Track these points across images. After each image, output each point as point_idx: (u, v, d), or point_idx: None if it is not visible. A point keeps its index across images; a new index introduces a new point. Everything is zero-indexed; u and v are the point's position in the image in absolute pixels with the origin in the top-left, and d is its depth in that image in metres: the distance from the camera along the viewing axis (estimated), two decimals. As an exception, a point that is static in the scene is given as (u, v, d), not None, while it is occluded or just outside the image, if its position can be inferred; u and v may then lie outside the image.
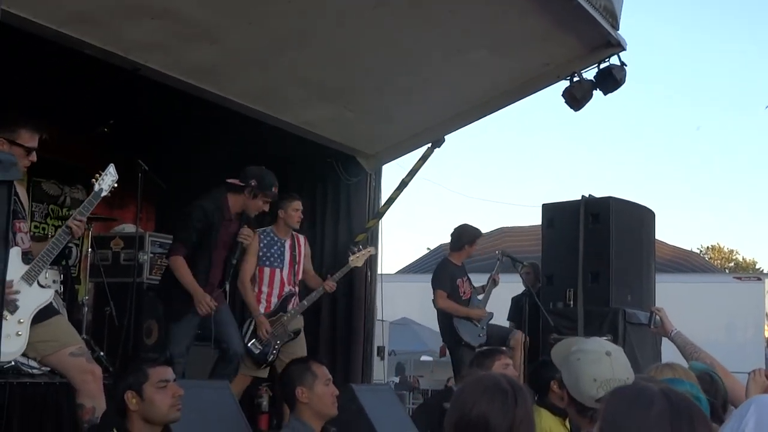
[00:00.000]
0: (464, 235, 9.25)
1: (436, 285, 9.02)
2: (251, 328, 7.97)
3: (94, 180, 5.65)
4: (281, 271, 8.07)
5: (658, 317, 5.30)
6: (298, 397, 4.83)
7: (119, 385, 4.29)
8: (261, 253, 8.03)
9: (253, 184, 7.31)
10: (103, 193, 5.69)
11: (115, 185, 5.79)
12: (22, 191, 5.77)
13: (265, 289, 8.05)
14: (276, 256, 8.09)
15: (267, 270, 8.04)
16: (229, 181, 7.45)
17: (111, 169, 5.75)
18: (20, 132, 5.44)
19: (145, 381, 4.22)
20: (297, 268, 8.20)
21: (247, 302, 7.99)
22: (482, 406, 2.75)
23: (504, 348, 6.97)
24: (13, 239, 5.23)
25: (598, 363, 3.41)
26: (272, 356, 7.93)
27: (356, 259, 8.33)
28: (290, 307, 8.05)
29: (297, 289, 8.19)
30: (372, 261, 10.49)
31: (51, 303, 5.60)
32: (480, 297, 9.17)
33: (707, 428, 2.03)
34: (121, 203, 10.72)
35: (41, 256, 5.38)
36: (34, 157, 5.49)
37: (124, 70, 7.95)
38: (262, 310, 7.94)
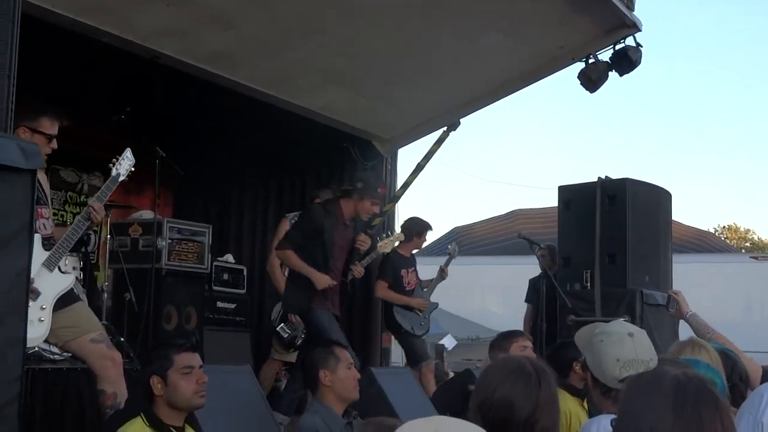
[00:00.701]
0: (413, 228, 9.30)
1: (378, 275, 9.12)
2: (281, 312, 8.05)
3: (111, 165, 5.69)
4: None
5: (675, 300, 5.39)
6: (321, 380, 4.89)
7: (145, 370, 4.32)
8: None
9: (359, 186, 7.41)
10: (121, 178, 5.73)
11: (133, 169, 5.83)
12: (43, 178, 5.81)
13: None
14: None
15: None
16: (337, 195, 7.59)
17: (128, 154, 5.78)
18: (41, 120, 5.48)
19: (170, 366, 4.25)
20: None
21: (275, 284, 8.14)
22: (506, 388, 2.77)
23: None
24: (35, 225, 5.27)
25: (621, 344, 3.44)
26: (300, 340, 8.02)
27: (385, 245, 8.35)
28: None
29: None
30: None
31: (72, 289, 5.65)
32: (425, 289, 9.27)
33: (716, 414, 2.05)
34: (138, 190, 10.76)
35: (62, 242, 5.43)
36: (54, 144, 5.53)
37: (141, 58, 7.99)
38: None
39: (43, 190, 5.68)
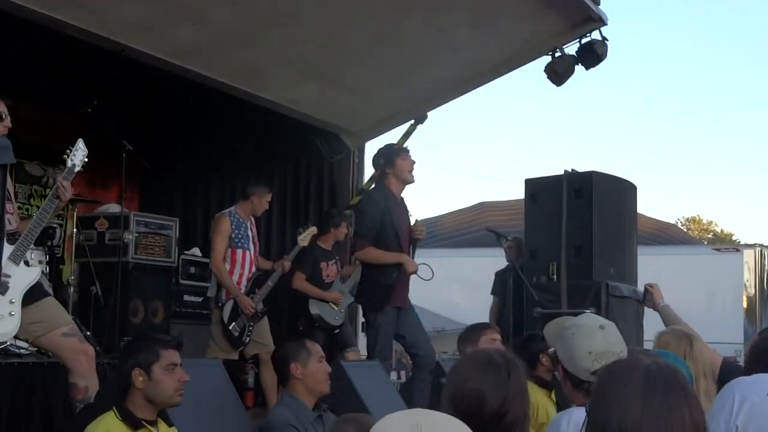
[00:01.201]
0: (330, 220, 9.36)
1: (296, 266, 9.07)
2: (230, 310, 8.04)
3: (65, 156, 5.65)
4: (249, 253, 8.19)
5: (650, 293, 5.57)
6: (292, 373, 4.90)
7: (127, 361, 4.24)
8: (233, 235, 8.14)
9: (382, 162, 7.58)
10: (77, 169, 5.69)
11: (86, 160, 5.78)
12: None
13: (237, 270, 8.15)
14: (244, 237, 8.21)
15: (239, 252, 8.17)
16: (385, 182, 7.65)
17: (80, 144, 5.74)
18: None
19: (155, 361, 4.21)
20: (256, 250, 8.38)
21: (225, 283, 8.09)
22: (476, 380, 2.80)
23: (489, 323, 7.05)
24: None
25: (593, 337, 3.48)
26: (247, 338, 8.04)
27: (303, 239, 8.56)
28: (257, 288, 8.22)
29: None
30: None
31: (40, 284, 5.62)
32: (342, 284, 9.25)
33: (684, 402, 2.08)
34: (105, 183, 10.73)
35: (27, 231, 5.38)
36: (8, 122, 5.46)
37: (108, 52, 7.95)
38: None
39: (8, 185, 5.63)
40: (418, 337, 7.59)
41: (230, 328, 7.99)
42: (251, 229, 8.36)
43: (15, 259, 5.28)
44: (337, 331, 9.08)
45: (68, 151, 5.68)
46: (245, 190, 8.51)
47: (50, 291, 7.26)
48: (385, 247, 7.46)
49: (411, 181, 7.66)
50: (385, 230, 7.43)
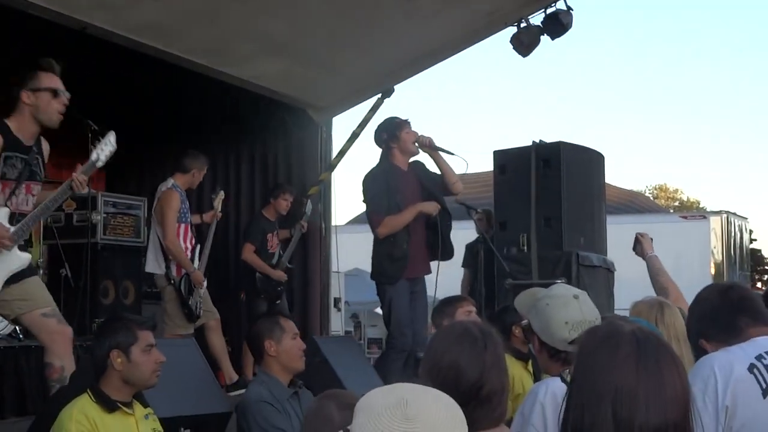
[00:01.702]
0: (273, 192, 9.65)
1: (245, 237, 9.34)
2: (187, 285, 8.02)
3: (92, 147, 5.57)
4: (188, 226, 8.18)
5: (640, 241, 5.68)
6: (266, 350, 4.88)
7: (103, 343, 4.20)
8: (181, 209, 8.14)
9: (385, 137, 7.55)
10: (99, 164, 5.61)
11: (112, 154, 5.71)
12: (46, 148, 5.69)
13: (187, 245, 8.15)
14: (186, 211, 8.24)
15: (183, 226, 8.15)
16: (388, 157, 7.61)
17: (111, 138, 5.65)
18: (37, 75, 5.33)
19: (134, 342, 4.18)
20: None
21: (180, 259, 8.04)
22: (453, 353, 2.80)
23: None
24: (19, 200, 5.19)
25: (567, 306, 3.49)
26: (200, 311, 8.05)
27: (216, 206, 8.71)
28: (198, 261, 8.23)
29: None
30: (326, 213, 10.54)
31: (30, 265, 5.57)
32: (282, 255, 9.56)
33: (674, 368, 2.08)
34: (70, 164, 10.57)
35: (30, 217, 5.33)
36: (64, 98, 5.38)
37: (70, 30, 7.85)
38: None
39: (43, 164, 5.56)
40: (417, 333, 7.48)
41: (189, 303, 7.97)
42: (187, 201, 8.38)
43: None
44: (278, 302, 9.27)
45: (97, 142, 5.60)
46: (183, 162, 8.39)
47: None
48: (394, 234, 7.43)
49: (416, 152, 7.64)
50: (390, 210, 7.40)
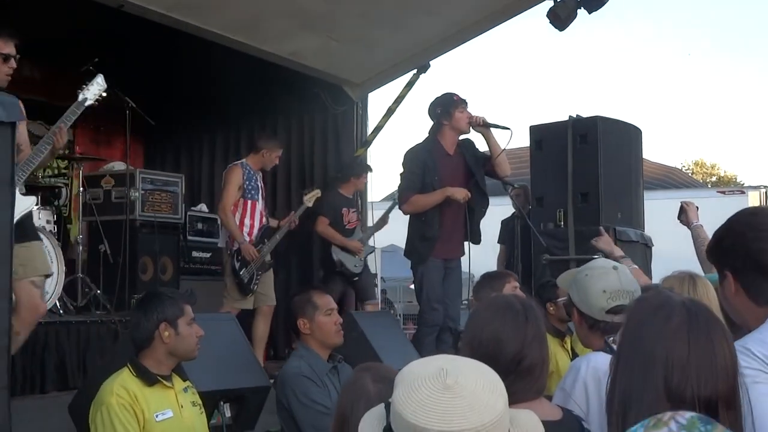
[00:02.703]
0: (351, 169, 9.60)
1: (319, 211, 9.26)
2: (239, 258, 8.11)
3: (79, 90, 5.58)
4: (259, 204, 8.23)
5: (685, 209, 5.64)
6: (300, 328, 4.90)
7: (152, 316, 4.24)
8: (245, 185, 8.23)
9: (439, 111, 7.53)
10: (88, 102, 5.61)
11: (104, 94, 5.70)
12: (23, 128, 5.71)
13: (247, 221, 8.24)
14: (254, 189, 8.27)
15: (249, 203, 8.25)
16: (433, 135, 7.64)
17: (99, 79, 5.64)
18: None
19: (181, 315, 4.24)
20: (265, 202, 8.49)
21: (231, 230, 8.21)
22: (494, 325, 2.81)
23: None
24: None
25: (607, 276, 3.50)
26: (255, 286, 8.10)
27: (308, 200, 8.69)
28: (265, 239, 8.29)
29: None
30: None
31: (33, 224, 5.55)
32: (363, 233, 9.53)
33: (725, 340, 2.08)
34: (109, 141, 10.72)
35: (22, 166, 5.33)
36: (13, 63, 5.42)
37: (107, 8, 7.90)
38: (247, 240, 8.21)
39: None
40: (449, 307, 7.54)
41: (240, 273, 8.06)
42: (261, 182, 8.38)
43: None
44: (356, 278, 9.21)
45: (84, 85, 5.61)
46: (256, 143, 8.51)
47: (44, 237, 7.32)
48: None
49: (467, 132, 7.64)
50: (424, 189, 7.43)
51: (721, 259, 2.73)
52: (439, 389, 1.83)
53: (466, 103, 7.62)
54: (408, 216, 7.63)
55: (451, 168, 7.55)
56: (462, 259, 7.69)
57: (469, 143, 7.73)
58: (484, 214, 7.80)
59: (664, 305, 2.11)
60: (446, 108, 7.51)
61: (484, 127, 7.61)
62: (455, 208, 7.47)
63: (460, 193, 7.38)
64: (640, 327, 2.11)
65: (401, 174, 7.58)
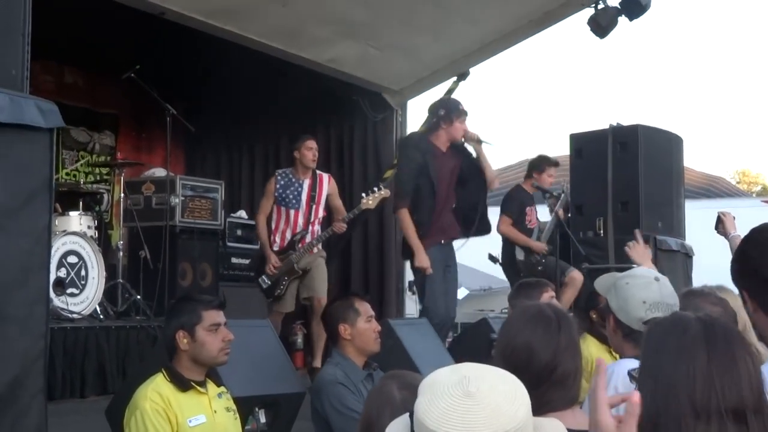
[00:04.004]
0: (539, 164, 9.19)
1: (503, 209, 9.09)
2: (258, 264, 8.25)
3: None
4: (297, 212, 8.25)
5: (722, 220, 5.54)
6: (340, 334, 4.90)
7: (171, 323, 4.29)
8: (277, 194, 8.27)
9: (441, 113, 7.54)
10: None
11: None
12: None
13: (281, 226, 8.28)
14: (292, 197, 8.28)
15: (283, 210, 8.29)
16: (425, 132, 7.77)
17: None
18: None
19: (198, 322, 4.22)
20: (316, 208, 8.37)
21: (260, 238, 8.39)
22: (526, 333, 2.78)
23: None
24: None
25: (648, 287, 3.46)
26: (280, 290, 8.15)
27: (368, 203, 8.32)
28: (300, 245, 8.21)
29: (317, 227, 8.37)
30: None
31: None
32: (541, 231, 9.16)
33: (745, 352, 2.06)
34: (150, 147, 10.81)
35: None
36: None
37: (149, 16, 7.97)
38: (276, 248, 8.24)
39: None
40: (447, 303, 7.56)
41: (258, 280, 8.18)
42: (313, 187, 8.39)
43: None
44: None
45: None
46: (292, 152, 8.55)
47: (98, 255, 7.40)
48: (421, 201, 7.46)
49: (458, 142, 7.67)
50: (420, 189, 7.45)
51: (739, 280, 2.79)
52: (461, 397, 1.83)
53: (467, 116, 7.66)
54: None
55: (448, 167, 7.60)
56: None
57: (463, 147, 7.75)
58: (484, 205, 7.94)
59: (679, 322, 2.12)
60: (450, 113, 7.54)
61: (477, 142, 7.66)
62: (443, 202, 7.57)
63: (423, 263, 7.37)
64: (658, 347, 2.11)
65: (397, 170, 7.79)
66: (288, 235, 8.28)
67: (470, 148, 7.77)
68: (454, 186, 7.66)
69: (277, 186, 8.27)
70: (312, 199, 8.34)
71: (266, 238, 8.24)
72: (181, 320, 4.25)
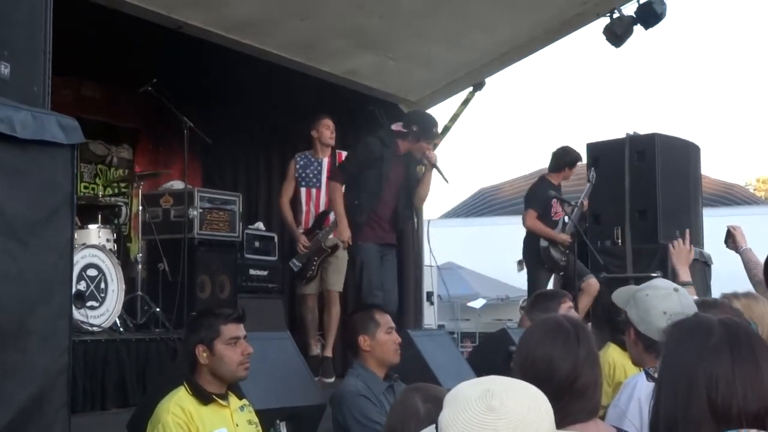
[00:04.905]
0: (565, 157, 9.19)
1: (528, 203, 9.14)
2: (292, 248, 8.34)
3: None
4: (319, 190, 8.32)
5: (732, 234, 5.51)
6: (360, 345, 4.92)
7: (190, 338, 4.33)
8: (297, 175, 8.47)
9: (415, 129, 7.55)
10: None
11: None
12: None
13: (304, 207, 8.48)
14: (312, 176, 8.44)
15: (304, 190, 8.48)
16: (393, 128, 7.79)
17: None
18: None
19: (216, 337, 4.25)
20: None
21: (285, 221, 8.61)
22: (545, 346, 2.79)
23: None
24: None
25: (668, 298, 3.48)
26: (311, 271, 8.23)
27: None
28: (324, 224, 8.33)
29: None
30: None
31: None
32: (567, 220, 9.19)
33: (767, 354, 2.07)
34: (167, 160, 10.82)
35: None
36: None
37: (166, 29, 8.02)
38: (301, 229, 8.43)
39: None
40: (386, 292, 7.57)
41: (289, 264, 8.34)
42: (326, 165, 8.52)
43: None
44: (561, 273, 9.06)
45: None
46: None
47: (117, 269, 7.43)
48: (364, 191, 7.54)
49: (418, 159, 7.71)
50: (368, 176, 7.54)
51: None
52: (484, 410, 1.84)
53: (436, 140, 7.86)
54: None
55: (396, 172, 7.64)
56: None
57: (414, 161, 7.79)
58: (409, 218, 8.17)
59: (702, 325, 2.11)
60: (421, 132, 7.54)
61: (431, 165, 7.65)
62: (385, 208, 7.62)
63: (345, 236, 7.55)
64: (679, 349, 2.10)
65: (351, 155, 7.90)
66: (312, 215, 8.38)
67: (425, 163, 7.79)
68: (396, 193, 7.68)
69: (297, 167, 8.45)
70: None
71: (292, 220, 8.44)
72: (200, 335, 4.27)
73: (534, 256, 9.07)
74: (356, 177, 7.54)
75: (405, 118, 7.79)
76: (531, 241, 9.13)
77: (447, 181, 7.69)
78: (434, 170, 7.66)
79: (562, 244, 8.91)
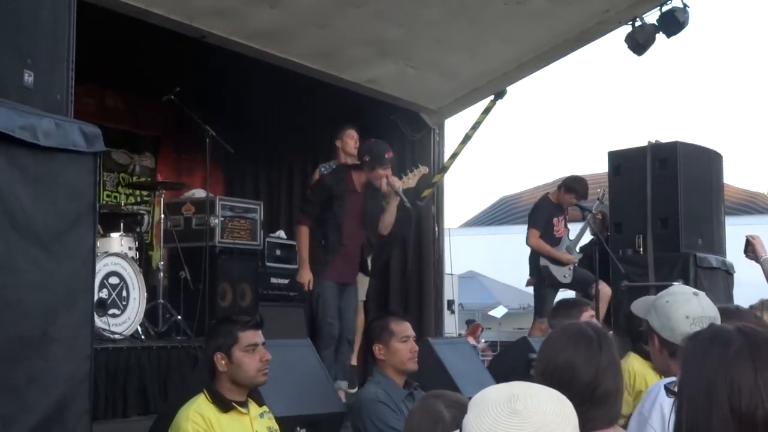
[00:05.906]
0: (568, 181, 9.37)
1: (531, 223, 9.23)
2: None
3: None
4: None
5: (752, 243, 5.51)
6: (375, 354, 4.95)
7: (209, 346, 4.35)
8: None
9: (366, 159, 7.50)
10: None
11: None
12: None
13: None
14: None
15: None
16: (347, 164, 7.87)
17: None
18: None
19: (234, 344, 4.27)
20: None
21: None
22: (567, 353, 2.79)
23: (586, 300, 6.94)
24: None
25: (689, 302, 3.47)
26: None
27: (408, 181, 8.18)
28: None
29: None
30: (438, 215, 10.55)
31: None
32: (571, 238, 9.32)
33: None
34: (189, 169, 10.88)
35: None
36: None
37: (189, 39, 8.07)
38: None
39: None
40: (344, 321, 7.56)
41: None
42: None
43: None
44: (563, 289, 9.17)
45: None
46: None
47: (139, 276, 7.45)
48: (328, 229, 7.48)
49: (378, 186, 7.62)
50: (325, 220, 7.49)
51: None
52: (507, 414, 1.85)
53: (391, 163, 7.62)
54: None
55: (356, 206, 7.55)
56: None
57: (374, 188, 7.66)
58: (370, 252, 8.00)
59: (720, 334, 2.10)
60: (374, 161, 7.42)
61: (395, 193, 7.58)
62: (352, 244, 7.55)
63: (302, 279, 7.52)
64: (698, 358, 2.08)
65: (309, 195, 7.90)
66: None
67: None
68: (360, 225, 7.60)
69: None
70: None
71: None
72: (218, 342, 4.29)
73: (536, 273, 9.22)
74: (319, 216, 7.47)
75: (357, 152, 7.77)
76: (533, 259, 9.26)
77: (409, 206, 7.68)
78: (397, 197, 7.59)
79: (567, 264, 9.07)
